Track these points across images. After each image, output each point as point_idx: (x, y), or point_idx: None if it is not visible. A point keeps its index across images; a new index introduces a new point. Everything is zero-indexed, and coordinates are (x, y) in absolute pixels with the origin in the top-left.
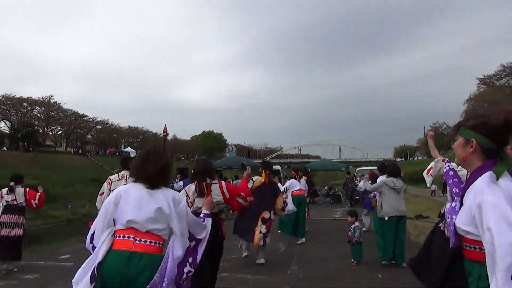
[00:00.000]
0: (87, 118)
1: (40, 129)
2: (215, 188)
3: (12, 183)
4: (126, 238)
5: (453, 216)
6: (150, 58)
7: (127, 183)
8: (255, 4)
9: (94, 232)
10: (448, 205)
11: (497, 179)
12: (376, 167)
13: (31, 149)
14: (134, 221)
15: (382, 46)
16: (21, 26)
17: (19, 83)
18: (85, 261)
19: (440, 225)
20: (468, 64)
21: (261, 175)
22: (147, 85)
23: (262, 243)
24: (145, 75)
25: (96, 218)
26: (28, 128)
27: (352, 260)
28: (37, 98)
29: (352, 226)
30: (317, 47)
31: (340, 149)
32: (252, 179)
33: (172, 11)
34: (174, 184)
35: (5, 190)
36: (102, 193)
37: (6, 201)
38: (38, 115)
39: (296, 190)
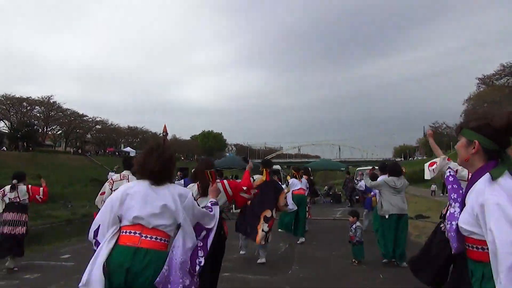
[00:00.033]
0: (87, 118)
1: (40, 129)
2: (218, 187)
3: (14, 181)
4: (132, 234)
5: (453, 222)
6: (150, 58)
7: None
8: (255, 4)
9: (98, 227)
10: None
11: (493, 179)
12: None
13: (30, 148)
14: (140, 217)
15: (381, 46)
16: (21, 26)
17: (18, 83)
18: (86, 261)
19: (441, 226)
20: (467, 64)
21: (262, 174)
22: (146, 85)
23: (264, 243)
24: (145, 75)
25: (100, 213)
26: (27, 127)
27: (353, 260)
28: (36, 98)
29: (354, 226)
30: (316, 47)
31: (339, 149)
32: (252, 177)
33: (171, 11)
34: (175, 182)
35: (7, 187)
36: (103, 193)
37: (9, 198)
38: (38, 114)
39: (297, 189)
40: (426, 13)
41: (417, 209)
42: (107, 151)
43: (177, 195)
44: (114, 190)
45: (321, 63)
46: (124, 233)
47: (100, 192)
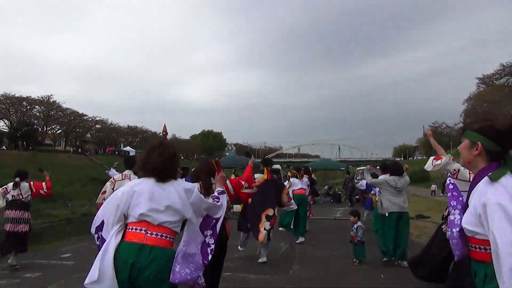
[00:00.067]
0: (87, 117)
1: (39, 128)
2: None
3: (17, 179)
4: (138, 231)
5: (453, 230)
6: (150, 58)
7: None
8: (255, 4)
9: (102, 222)
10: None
11: (492, 181)
12: (377, 166)
13: (30, 148)
14: (146, 214)
15: (381, 46)
16: (21, 26)
17: (18, 82)
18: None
19: (443, 227)
20: (467, 64)
21: (263, 173)
22: (146, 84)
23: (266, 241)
24: (145, 74)
25: (104, 208)
26: (27, 127)
27: (354, 260)
28: (36, 98)
29: (355, 226)
30: (316, 47)
31: (339, 148)
32: (253, 177)
33: (171, 11)
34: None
35: (10, 185)
36: (105, 192)
37: (12, 195)
38: (38, 114)
39: (297, 189)
40: (426, 13)
41: (417, 209)
42: (107, 151)
43: (183, 191)
44: (116, 190)
45: (321, 63)
46: (130, 230)
47: (101, 191)
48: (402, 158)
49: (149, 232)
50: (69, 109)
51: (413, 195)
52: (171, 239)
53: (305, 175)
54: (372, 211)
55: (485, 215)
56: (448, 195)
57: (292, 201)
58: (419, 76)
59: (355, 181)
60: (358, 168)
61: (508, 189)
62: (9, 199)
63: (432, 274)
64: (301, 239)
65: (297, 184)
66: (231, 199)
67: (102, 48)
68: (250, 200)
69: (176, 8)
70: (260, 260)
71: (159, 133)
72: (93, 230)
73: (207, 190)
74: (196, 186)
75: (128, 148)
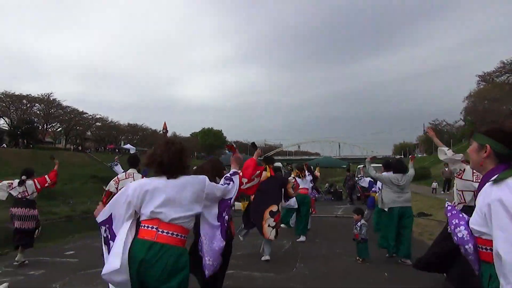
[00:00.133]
0: (87, 115)
1: (40, 126)
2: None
3: (23, 177)
4: (149, 228)
5: (466, 246)
6: (149, 55)
7: (134, 181)
8: (256, 1)
9: (110, 215)
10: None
11: (495, 182)
12: (380, 164)
13: (31, 146)
14: (157, 211)
15: (381, 43)
16: (21, 24)
17: (18, 81)
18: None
19: (449, 228)
20: (467, 61)
21: (265, 170)
22: (146, 82)
23: (273, 237)
24: (145, 72)
25: (114, 203)
26: (27, 125)
27: (357, 258)
28: (36, 96)
29: (358, 224)
30: (316, 45)
31: (339, 146)
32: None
33: (170, 9)
34: None
35: (16, 181)
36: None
37: (18, 192)
38: (38, 112)
39: (300, 188)
40: (425, 10)
41: (419, 207)
42: (107, 148)
43: (195, 185)
44: (120, 189)
45: (322, 60)
46: (142, 227)
47: (105, 193)
48: (402, 156)
49: (160, 230)
50: (69, 107)
51: (414, 193)
52: (182, 237)
53: (308, 172)
54: (373, 209)
55: (489, 214)
56: (448, 215)
57: (294, 200)
58: (419, 74)
59: (357, 178)
60: (359, 166)
61: None
62: (14, 195)
63: (432, 265)
64: (302, 238)
65: (299, 184)
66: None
67: (102, 46)
68: (253, 197)
69: (177, 6)
70: (263, 258)
71: (159, 131)
72: (99, 220)
73: None
74: (206, 178)
75: (128, 146)
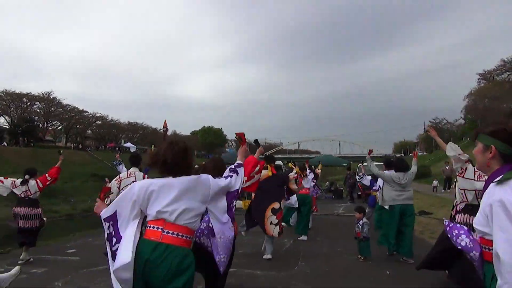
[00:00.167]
0: (87, 113)
1: (40, 125)
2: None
3: (26, 176)
4: (155, 229)
5: (471, 254)
6: (150, 54)
7: (135, 181)
8: (255, 2)
9: (116, 212)
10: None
11: (498, 183)
12: (381, 163)
13: (31, 144)
14: (163, 211)
15: (381, 42)
16: (20, 22)
17: (18, 79)
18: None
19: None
20: (468, 59)
21: (266, 169)
22: (146, 80)
23: (277, 234)
24: (145, 70)
25: (119, 200)
26: (28, 123)
27: (359, 256)
28: (36, 94)
29: (360, 222)
30: (316, 44)
31: (339, 144)
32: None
33: (171, 7)
34: None
35: (18, 181)
36: (112, 192)
37: (21, 191)
38: (38, 110)
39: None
40: (426, 8)
41: (420, 205)
42: (108, 147)
43: (200, 184)
44: (122, 189)
45: (322, 59)
46: (148, 228)
47: (103, 187)
48: (402, 154)
49: (165, 230)
50: (69, 105)
51: (415, 192)
52: (187, 238)
53: (309, 170)
54: (374, 207)
55: (491, 214)
56: (447, 229)
57: (294, 199)
58: (419, 72)
59: (358, 176)
60: (359, 165)
61: None
62: (17, 194)
63: (434, 262)
64: (303, 237)
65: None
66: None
67: (102, 45)
68: (254, 195)
69: (177, 3)
70: (265, 257)
71: (160, 129)
72: (104, 216)
73: None
74: (209, 176)
75: (128, 144)
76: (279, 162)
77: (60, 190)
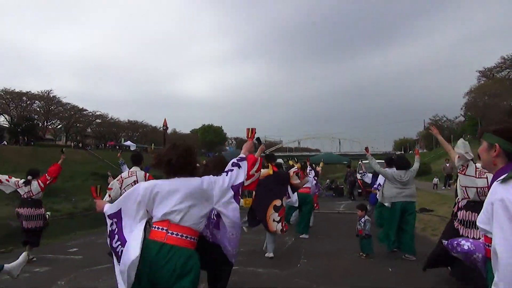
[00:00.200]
0: (87, 112)
1: (40, 123)
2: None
3: (29, 177)
4: (160, 230)
5: (473, 256)
6: (149, 52)
7: (137, 179)
8: (255, 2)
9: (120, 210)
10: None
11: (503, 181)
12: (382, 161)
13: (31, 143)
14: (168, 212)
15: (381, 39)
16: (20, 20)
17: (18, 78)
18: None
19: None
20: (468, 57)
21: (267, 167)
22: (146, 78)
23: (280, 231)
24: (144, 68)
25: (124, 198)
26: (27, 122)
27: (361, 253)
28: (36, 93)
29: (362, 219)
30: (316, 41)
31: (339, 142)
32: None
33: (171, 7)
34: None
35: (21, 181)
36: (110, 188)
37: (25, 192)
38: (38, 109)
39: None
40: (426, 5)
41: (420, 203)
42: (108, 145)
43: (204, 185)
44: (124, 188)
45: (321, 57)
46: (153, 228)
47: (107, 187)
48: (402, 152)
49: (170, 231)
50: (69, 104)
51: (416, 189)
52: (192, 240)
53: (310, 168)
54: (375, 205)
55: (492, 213)
56: (445, 244)
57: (295, 198)
58: (419, 69)
59: (359, 174)
60: (359, 162)
61: None
62: (21, 194)
63: (439, 259)
64: (305, 235)
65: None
66: None
67: (101, 42)
68: (255, 194)
69: (176, 6)
70: (267, 255)
71: (160, 128)
72: (108, 212)
73: None
74: (212, 176)
75: (128, 143)
76: (279, 160)
77: (61, 189)
